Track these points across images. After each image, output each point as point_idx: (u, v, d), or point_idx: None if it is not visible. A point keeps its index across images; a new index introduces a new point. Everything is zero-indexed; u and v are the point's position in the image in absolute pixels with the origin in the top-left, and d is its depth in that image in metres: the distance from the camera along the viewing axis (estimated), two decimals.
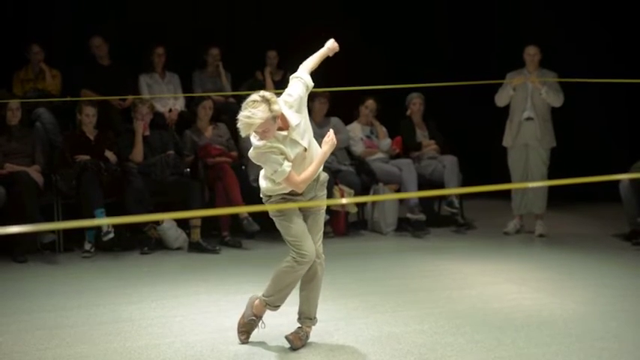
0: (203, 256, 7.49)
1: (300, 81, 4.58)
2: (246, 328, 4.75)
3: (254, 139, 4.33)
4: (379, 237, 8.54)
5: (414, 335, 4.88)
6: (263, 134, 4.21)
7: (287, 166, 4.31)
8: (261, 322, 4.77)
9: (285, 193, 4.52)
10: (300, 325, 4.73)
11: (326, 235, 8.11)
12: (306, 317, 4.73)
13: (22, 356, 4.50)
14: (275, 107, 4.19)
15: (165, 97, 8.83)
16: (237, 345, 4.70)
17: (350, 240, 8.40)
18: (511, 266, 6.97)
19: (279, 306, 4.72)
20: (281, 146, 4.32)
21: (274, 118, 4.20)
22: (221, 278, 6.55)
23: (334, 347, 4.65)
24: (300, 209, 4.56)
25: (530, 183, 8.37)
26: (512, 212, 8.72)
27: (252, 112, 4.13)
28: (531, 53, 8.41)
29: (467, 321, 5.19)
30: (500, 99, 8.54)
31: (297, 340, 4.64)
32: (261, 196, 4.65)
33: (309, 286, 4.71)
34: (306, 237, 4.51)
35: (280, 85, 9.44)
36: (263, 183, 4.57)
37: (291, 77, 4.63)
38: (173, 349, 4.63)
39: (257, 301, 4.73)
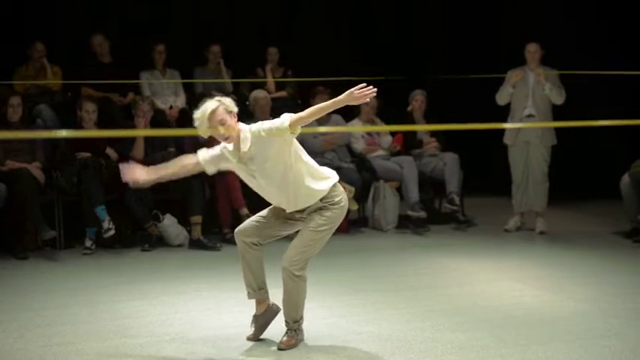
0: (204, 254, 7.49)
1: (284, 118, 4.30)
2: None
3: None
4: (380, 234, 8.54)
5: (415, 333, 4.88)
6: (221, 123, 4.29)
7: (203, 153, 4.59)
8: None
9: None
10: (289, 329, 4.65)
11: None
12: (292, 321, 4.63)
13: (24, 353, 4.50)
14: (226, 102, 4.37)
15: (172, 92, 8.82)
16: (238, 342, 4.70)
17: (351, 237, 8.39)
18: (512, 264, 6.97)
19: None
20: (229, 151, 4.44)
21: (228, 111, 4.33)
22: (222, 275, 6.55)
23: (335, 345, 4.64)
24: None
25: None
26: (513, 210, 8.72)
27: (204, 106, 4.34)
28: (532, 50, 8.41)
29: (468, 318, 5.18)
30: (501, 97, 8.55)
31: (290, 342, 4.59)
32: (317, 202, 4.49)
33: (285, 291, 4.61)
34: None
35: (281, 82, 9.46)
36: (321, 185, 4.48)
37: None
38: (174, 346, 4.63)
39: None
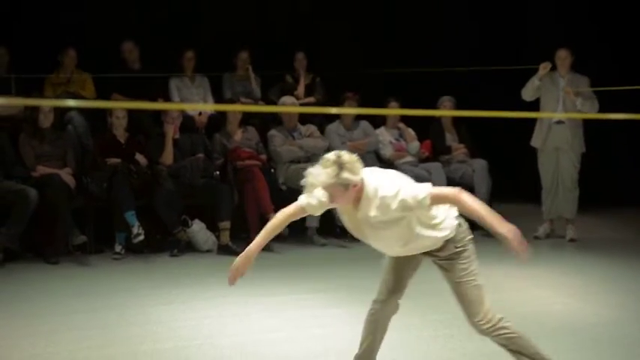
0: (232, 259, 7.33)
1: (423, 192, 3.62)
2: None
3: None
4: None
5: (442, 340, 4.86)
6: (331, 198, 3.67)
7: (308, 198, 3.88)
8: None
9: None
10: None
11: (355, 238, 8.17)
12: None
13: (54, 356, 4.55)
14: (345, 175, 3.55)
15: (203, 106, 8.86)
16: (266, 347, 4.71)
17: None
18: (541, 271, 6.91)
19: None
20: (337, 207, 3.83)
21: (344, 185, 3.58)
22: (250, 281, 6.49)
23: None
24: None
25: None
26: (543, 216, 8.66)
27: (319, 172, 3.60)
28: (562, 57, 8.35)
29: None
30: (527, 92, 8.43)
31: None
32: (451, 247, 3.90)
33: (508, 350, 3.98)
34: (381, 283, 4.09)
35: (309, 89, 9.48)
36: (444, 231, 3.86)
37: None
38: (202, 351, 4.65)
39: None
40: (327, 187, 3.60)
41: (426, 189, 3.63)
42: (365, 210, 3.66)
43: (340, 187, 3.59)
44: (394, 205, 3.59)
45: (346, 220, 3.87)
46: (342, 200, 3.66)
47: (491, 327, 3.81)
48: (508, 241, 3.61)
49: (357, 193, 3.63)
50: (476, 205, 3.65)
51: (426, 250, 3.90)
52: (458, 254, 3.87)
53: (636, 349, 4.64)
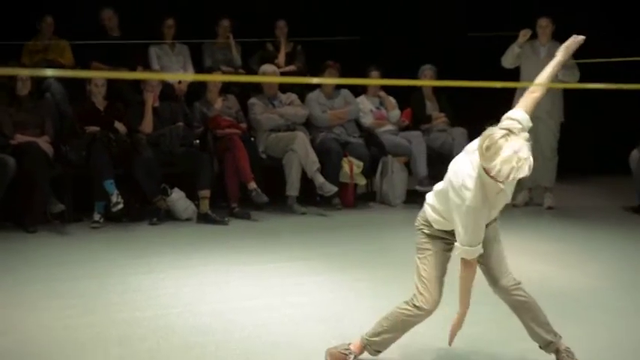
0: (212, 227, 7.51)
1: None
2: (335, 354, 3.98)
3: (469, 181, 3.51)
4: (388, 209, 8.55)
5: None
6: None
7: (479, 250, 3.63)
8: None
9: (442, 231, 3.79)
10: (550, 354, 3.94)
11: (334, 207, 8.24)
12: (544, 345, 3.93)
13: (33, 325, 4.54)
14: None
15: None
16: (246, 314, 4.72)
17: (359, 212, 8.40)
18: (520, 238, 6.96)
19: (379, 351, 3.96)
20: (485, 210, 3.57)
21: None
22: (229, 249, 6.58)
23: (342, 318, 4.66)
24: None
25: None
26: (521, 185, 8.70)
27: (522, 147, 3.35)
28: (543, 25, 8.34)
29: (475, 292, 5.14)
30: (507, 59, 8.43)
31: None
32: (419, 224, 3.90)
33: (518, 314, 3.93)
34: (435, 285, 3.79)
35: (290, 57, 9.43)
36: (434, 214, 3.78)
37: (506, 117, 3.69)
38: (182, 318, 4.66)
39: (358, 339, 3.99)
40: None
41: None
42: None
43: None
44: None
45: (485, 210, 3.60)
46: None
47: (513, 285, 3.84)
48: (568, 48, 3.96)
49: None
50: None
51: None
52: (495, 220, 3.90)
53: (613, 315, 4.70)
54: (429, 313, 3.82)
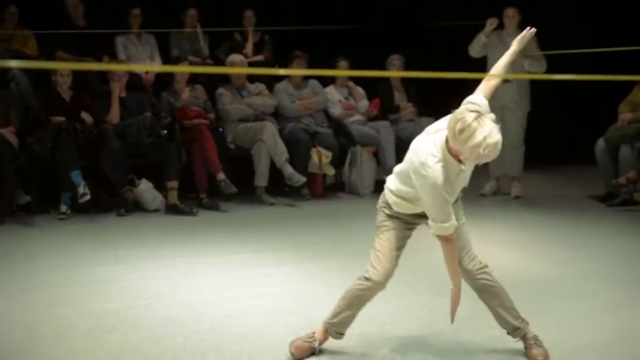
0: (180, 219, 7.47)
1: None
2: (299, 344, 3.94)
3: (435, 167, 3.50)
4: (357, 199, 8.56)
5: (389, 296, 4.89)
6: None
7: (453, 225, 3.62)
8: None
9: (402, 214, 3.83)
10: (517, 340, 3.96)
11: (303, 197, 8.24)
12: (511, 330, 3.93)
13: (1, 317, 4.49)
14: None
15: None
16: (215, 306, 4.70)
17: (327, 202, 8.42)
18: (488, 227, 7.02)
19: (341, 333, 3.95)
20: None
21: None
22: (198, 240, 6.55)
23: (310, 309, 4.66)
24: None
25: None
26: (489, 174, 8.76)
27: (492, 131, 3.39)
28: (510, 15, 8.39)
29: (443, 281, 5.17)
30: (474, 48, 8.48)
31: (535, 350, 3.87)
32: (380, 206, 3.93)
33: (484, 298, 3.96)
34: (387, 259, 3.82)
35: (258, 47, 9.40)
36: (397, 184, 3.80)
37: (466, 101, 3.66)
38: (150, 310, 4.63)
39: (321, 326, 3.97)
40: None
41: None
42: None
43: None
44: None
45: (447, 185, 3.56)
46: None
47: (478, 268, 3.87)
48: (521, 40, 4.10)
49: None
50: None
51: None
52: (459, 197, 3.92)
53: (579, 302, 4.75)
54: (380, 285, 3.83)
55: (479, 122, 3.36)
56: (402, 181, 3.75)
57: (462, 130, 3.37)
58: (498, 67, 4.16)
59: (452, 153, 3.50)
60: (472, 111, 3.40)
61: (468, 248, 3.87)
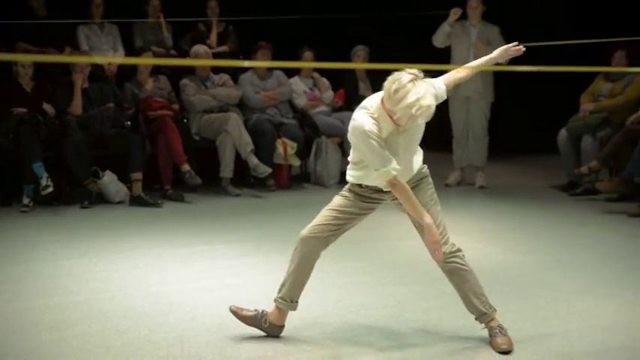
0: (145, 210, 7.42)
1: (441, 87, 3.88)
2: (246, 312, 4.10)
3: (364, 117, 3.67)
4: (322, 190, 8.56)
5: (356, 287, 4.93)
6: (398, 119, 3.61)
7: (395, 168, 3.66)
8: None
9: (372, 189, 3.92)
10: (484, 326, 3.99)
11: (269, 188, 8.23)
12: (479, 316, 3.98)
13: None
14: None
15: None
16: (180, 297, 4.69)
17: (293, 193, 8.41)
18: (452, 217, 6.97)
19: (294, 301, 4.08)
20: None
21: None
22: (163, 232, 6.52)
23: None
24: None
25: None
26: (453, 164, 8.82)
27: (425, 94, 3.51)
28: (473, 6, 8.43)
29: (408, 272, 5.25)
30: (437, 38, 8.51)
31: (499, 339, 3.89)
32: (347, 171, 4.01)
33: (454, 282, 3.99)
34: (321, 217, 3.96)
35: (222, 38, 9.34)
36: (351, 171, 3.95)
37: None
38: (115, 302, 4.60)
39: (273, 306, 4.09)
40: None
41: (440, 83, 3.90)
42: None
43: None
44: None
45: (390, 142, 3.72)
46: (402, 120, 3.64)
47: (450, 252, 3.91)
48: (507, 51, 4.03)
49: None
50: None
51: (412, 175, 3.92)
52: (426, 177, 4.02)
53: (540, 291, 4.81)
54: (304, 240, 3.92)
55: (414, 84, 3.51)
56: (353, 150, 3.89)
57: (396, 90, 3.52)
58: (472, 66, 4.28)
59: (386, 112, 3.64)
60: (409, 74, 3.54)
61: (441, 228, 3.90)
